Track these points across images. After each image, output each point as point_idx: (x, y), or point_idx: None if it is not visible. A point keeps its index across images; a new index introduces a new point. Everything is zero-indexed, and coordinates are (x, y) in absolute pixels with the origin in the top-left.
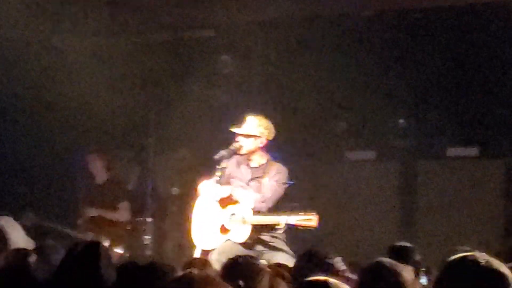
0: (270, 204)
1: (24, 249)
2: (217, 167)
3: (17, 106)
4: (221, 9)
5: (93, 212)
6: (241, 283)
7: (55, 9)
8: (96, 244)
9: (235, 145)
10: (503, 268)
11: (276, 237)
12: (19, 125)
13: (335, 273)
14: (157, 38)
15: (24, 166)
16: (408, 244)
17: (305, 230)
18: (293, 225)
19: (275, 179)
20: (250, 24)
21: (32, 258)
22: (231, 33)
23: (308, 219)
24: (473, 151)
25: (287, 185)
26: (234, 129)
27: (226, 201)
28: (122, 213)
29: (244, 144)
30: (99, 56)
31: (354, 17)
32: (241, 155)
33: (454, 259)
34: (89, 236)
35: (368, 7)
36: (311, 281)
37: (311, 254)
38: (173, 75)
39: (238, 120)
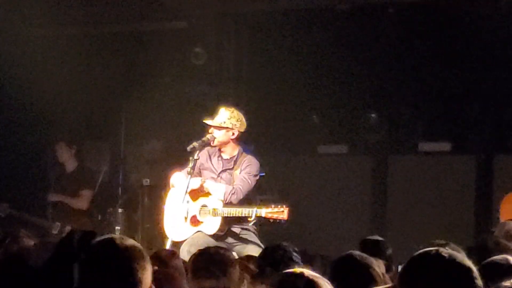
0: (241, 196)
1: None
2: (189, 158)
3: None
4: (193, 1)
5: (53, 197)
6: None
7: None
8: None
9: (207, 137)
10: (467, 261)
11: (247, 229)
12: None
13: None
14: (130, 29)
15: None
16: (379, 238)
17: (277, 223)
18: (264, 217)
19: (246, 171)
20: (222, 16)
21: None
22: (203, 25)
23: (278, 212)
24: (444, 146)
25: (258, 177)
26: (207, 121)
27: (197, 193)
28: (82, 201)
29: (216, 136)
30: (71, 47)
31: (328, 11)
32: (213, 146)
33: (418, 254)
34: (57, 226)
35: (342, 1)
36: (287, 273)
37: (275, 247)
38: (145, 66)
39: (210, 112)
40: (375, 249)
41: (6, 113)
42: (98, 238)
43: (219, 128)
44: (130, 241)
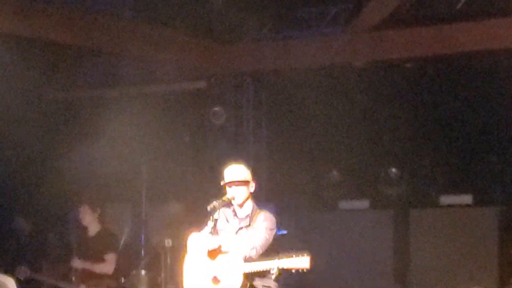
0: (260, 251)
1: None
2: (209, 218)
3: (11, 160)
4: (211, 61)
5: (77, 263)
6: None
7: None
8: None
9: (227, 196)
10: None
11: (268, 286)
12: (14, 176)
13: None
14: (150, 90)
15: (19, 221)
16: None
17: (299, 273)
18: (286, 269)
19: (263, 226)
20: (240, 75)
21: None
22: (222, 84)
23: (300, 261)
24: (465, 199)
25: (275, 232)
26: (233, 177)
27: (216, 252)
28: (107, 265)
29: (240, 192)
30: (90, 107)
31: (345, 68)
32: (235, 204)
33: None
34: None
35: (358, 58)
36: None
37: None
38: (165, 126)
39: (219, 171)
40: None
41: (27, 173)
42: None
43: (244, 183)
44: None
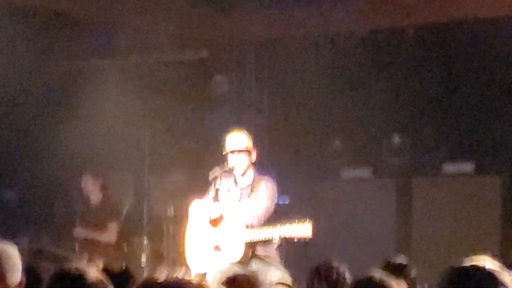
0: (262, 220)
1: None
2: (211, 186)
3: (12, 128)
4: (213, 30)
5: (80, 232)
6: None
7: None
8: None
9: (228, 165)
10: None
11: (270, 255)
12: (15, 147)
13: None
14: (151, 59)
15: (21, 190)
16: (404, 260)
17: (301, 242)
18: (288, 237)
19: (265, 195)
20: (242, 45)
21: None
22: (224, 53)
23: (302, 228)
24: (468, 167)
25: (277, 200)
26: (235, 146)
27: (218, 221)
28: (109, 234)
29: (241, 162)
30: (94, 77)
31: (347, 36)
32: (236, 173)
33: (458, 267)
34: (84, 258)
35: (361, 26)
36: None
37: (328, 267)
38: (167, 96)
39: (221, 140)
40: (399, 271)
41: (30, 144)
42: (60, 270)
43: (246, 151)
44: (93, 274)
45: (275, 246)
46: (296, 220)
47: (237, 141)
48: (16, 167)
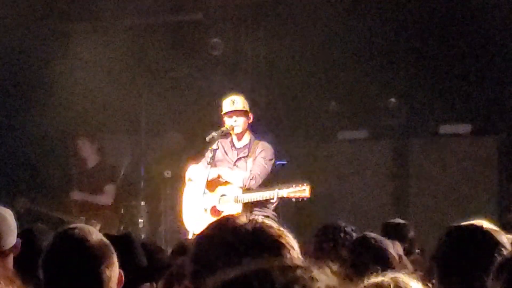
0: (259, 181)
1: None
2: (208, 148)
3: (7, 91)
4: None
5: (77, 195)
6: None
7: None
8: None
9: (226, 126)
10: (501, 236)
11: (267, 215)
12: (9, 110)
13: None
14: (146, 21)
15: (16, 152)
16: (401, 221)
17: (299, 201)
18: (286, 198)
19: (261, 156)
20: (238, 6)
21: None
22: (220, 15)
23: (300, 190)
24: (465, 128)
25: (274, 161)
26: (232, 107)
27: (214, 183)
28: (107, 197)
29: (240, 123)
30: (87, 40)
31: None
32: (233, 135)
33: (455, 226)
34: (81, 220)
35: None
36: None
37: (336, 227)
38: (162, 59)
39: (217, 103)
40: (396, 232)
41: (25, 106)
42: (63, 232)
43: (244, 113)
44: (96, 237)
45: (273, 207)
46: (294, 183)
47: (234, 103)
48: (11, 130)
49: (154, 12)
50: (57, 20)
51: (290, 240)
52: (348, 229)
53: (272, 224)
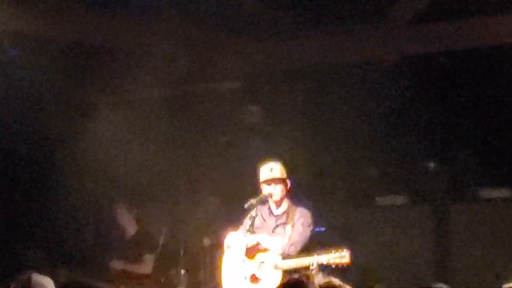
0: (299, 247)
1: None
2: (247, 215)
3: (44, 162)
4: (245, 60)
5: (116, 264)
6: None
7: None
8: None
9: (264, 194)
10: None
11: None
12: (48, 181)
13: None
14: (182, 90)
15: (56, 223)
16: (444, 286)
17: (339, 268)
18: (326, 265)
19: (300, 222)
20: (275, 74)
21: None
22: (257, 83)
23: (340, 256)
24: (505, 192)
25: (313, 228)
26: (271, 175)
27: (253, 250)
28: (146, 266)
29: (277, 191)
30: (129, 110)
31: (379, 64)
32: (271, 202)
33: None
34: None
35: (394, 52)
36: None
37: None
38: (201, 125)
39: (255, 169)
40: None
41: (62, 177)
42: None
43: (282, 180)
44: None
45: (313, 273)
46: (333, 250)
47: (272, 170)
48: (50, 201)
49: (192, 81)
50: (97, 90)
51: None
52: None
53: (339, 282)
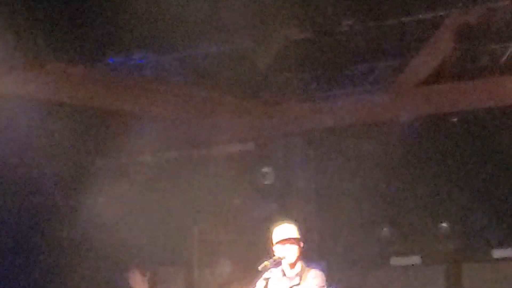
0: None
1: None
2: (260, 277)
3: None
4: (259, 122)
5: None
6: None
7: None
8: None
9: (277, 256)
10: None
11: None
12: (65, 247)
13: None
14: (196, 153)
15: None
16: None
17: None
18: None
19: (314, 284)
20: (288, 136)
21: None
22: (271, 144)
23: None
24: None
25: None
26: (285, 236)
27: None
28: None
29: (292, 252)
30: (141, 173)
31: (391, 124)
32: (285, 263)
33: None
34: None
35: (404, 113)
36: None
37: None
38: (215, 188)
39: (268, 230)
40: None
41: (81, 240)
42: None
43: (296, 241)
44: None
45: None
46: None
47: (288, 231)
48: (63, 265)
49: (207, 143)
50: (112, 154)
51: None
52: None
53: None
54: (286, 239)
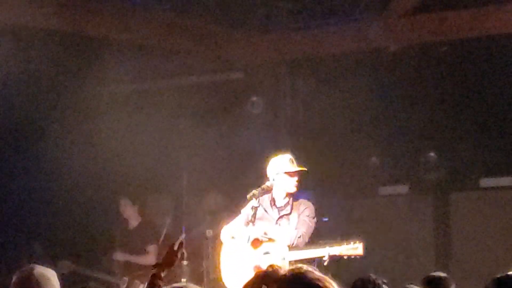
0: (306, 239)
1: None
2: (246, 206)
3: (50, 155)
4: (248, 51)
5: (120, 256)
6: None
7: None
8: None
9: (266, 184)
10: None
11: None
12: (53, 175)
13: None
14: (184, 82)
15: (59, 215)
16: (443, 275)
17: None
18: (338, 256)
19: (305, 214)
20: (277, 64)
21: None
22: (259, 74)
23: (353, 248)
24: (506, 181)
25: (315, 219)
26: (296, 167)
27: (257, 242)
28: (149, 257)
29: (296, 183)
30: (131, 102)
31: (380, 53)
32: (276, 193)
33: (500, 276)
34: (124, 281)
35: (393, 43)
36: None
37: (364, 280)
38: (203, 117)
39: (268, 160)
40: (437, 286)
41: (70, 169)
42: None
43: (301, 173)
44: None
45: (325, 264)
46: (345, 242)
47: (294, 162)
48: (53, 194)
49: (194, 72)
50: (99, 82)
51: (331, 286)
52: (379, 281)
53: (314, 271)
54: (297, 171)
